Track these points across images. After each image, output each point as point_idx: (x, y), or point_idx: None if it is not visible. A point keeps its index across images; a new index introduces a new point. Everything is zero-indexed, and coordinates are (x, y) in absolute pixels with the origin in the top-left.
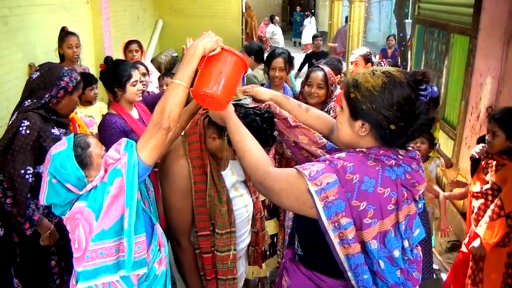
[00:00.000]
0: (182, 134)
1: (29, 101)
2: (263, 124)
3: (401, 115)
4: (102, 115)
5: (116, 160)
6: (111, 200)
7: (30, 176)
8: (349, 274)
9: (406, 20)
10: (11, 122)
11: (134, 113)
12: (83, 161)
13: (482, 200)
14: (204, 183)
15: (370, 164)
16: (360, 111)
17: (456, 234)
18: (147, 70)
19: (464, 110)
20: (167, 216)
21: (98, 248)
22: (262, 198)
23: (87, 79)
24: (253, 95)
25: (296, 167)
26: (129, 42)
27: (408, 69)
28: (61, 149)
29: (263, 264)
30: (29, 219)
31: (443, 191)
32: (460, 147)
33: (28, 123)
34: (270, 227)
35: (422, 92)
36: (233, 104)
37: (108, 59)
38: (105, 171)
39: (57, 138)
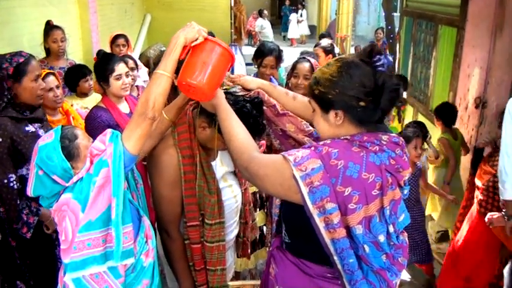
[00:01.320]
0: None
1: None
2: (253, 110)
3: (365, 89)
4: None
5: (102, 151)
6: (97, 191)
7: (15, 182)
8: (335, 258)
9: (395, 14)
10: None
11: (124, 107)
12: (70, 152)
13: (486, 192)
14: (194, 174)
15: (355, 150)
16: (328, 102)
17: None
18: (136, 64)
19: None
20: (156, 207)
21: (85, 239)
22: (252, 190)
23: (81, 70)
24: (241, 84)
25: (282, 153)
26: (116, 37)
27: (397, 62)
28: (48, 140)
29: (251, 256)
30: (25, 224)
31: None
32: None
33: (0, 131)
34: (258, 218)
35: (377, 63)
36: (224, 92)
37: (100, 53)
38: (91, 162)
39: (34, 135)
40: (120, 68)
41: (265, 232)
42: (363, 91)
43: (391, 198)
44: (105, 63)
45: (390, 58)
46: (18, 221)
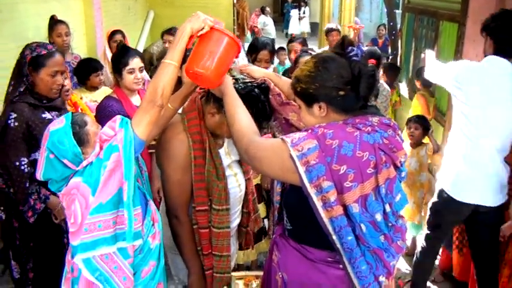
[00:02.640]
0: (180, 112)
1: (10, 87)
2: (261, 95)
3: (343, 79)
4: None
5: (111, 137)
6: (108, 175)
7: (26, 166)
8: (334, 237)
9: (396, 11)
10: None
11: (136, 100)
12: (80, 138)
13: None
14: (203, 159)
15: (349, 130)
16: (310, 96)
17: None
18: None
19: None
20: (166, 191)
21: (96, 221)
22: (255, 182)
23: (93, 65)
24: (247, 73)
25: (280, 136)
26: (113, 33)
27: (398, 58)
28: (59, 126)
29: (253, 248)
30: (31, 208)
31: (433, 176)
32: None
33: (15, 115)
34: (261, 210)
35: (351, 54)
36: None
37: (119, 45)
38: (100, 147)
39: (50, 122)
40: (135, 62)
41: (266, 225)
42: (341, 81)
43: (386, 176)
44: (120, 55)
45: (363, 48)
46: (25, 204)
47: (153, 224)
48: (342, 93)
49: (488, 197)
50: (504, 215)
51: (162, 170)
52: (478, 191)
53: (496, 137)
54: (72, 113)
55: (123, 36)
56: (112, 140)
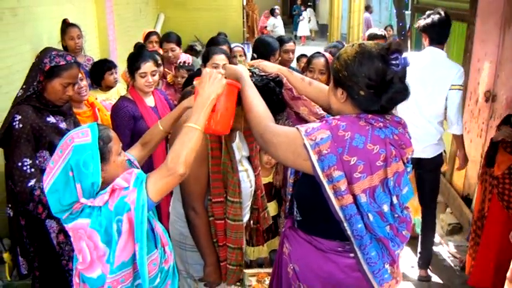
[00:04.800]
0: None
1: (21, 90)
2: (276, 87)
3: (369, 82)
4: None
5: (121, 188)
6: (127, 236)
7: (28, 167)
8: (345, 225)
9: (406, 11)
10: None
11: (149, 101)
12: (103, 155)
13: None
14: (219, 151)
15: (361, 124)
16: (339, 79)
17: (457, 217)
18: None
19: (463, 95)
20: (183, 184)
21: (119, 277)
22: (266, 181)
23: (106, 64)
24: (260, 68)
25: (296, 126)
26: (149, 34)
27: None
28: (86, 141)
29: (264, 245)
30: (40, 203)
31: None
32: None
33: (20, 117)
34: (271, 208)
35: (393, 62)
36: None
37: (136, 45)
38: (110, 194)
39: (54, 126)
40: (147, 67)
41: (278, 222)
42: (366, 83)
43: (395, 170)
44: (134, 58)
45: (408, 60)
46: (29, 203)
47: (164, 250)
48: (361, 93)
49: (428, 150)
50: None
51: None
52: (420, 147)
53: (430, 107)
54: (97, 124)
55: (159, 37)
56: (124, 194)
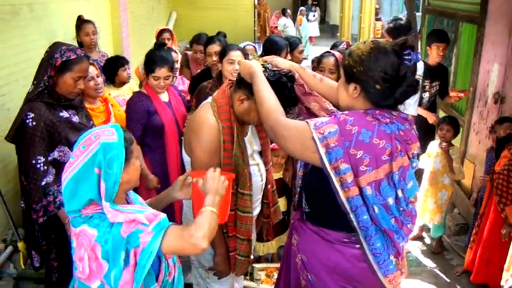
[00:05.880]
0: (211, 100)
1: (32, 86)
2: (288, 82)
3: (385, 76)
4: (133, 92)
5: (138, 222)
6: (132, 269)
7: (42, 165)
8: (351, 216)
9: (417, 13)
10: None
11: (164, 96)
12: (126, 156)
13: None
14: (231, 144)
15: (369, 119)
16: (352, 75)
17: (464, 217)
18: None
19: (472, 96)
20: None
21: None
22: (277, 176)
23: (119, 60)
24: (273, 64)
25: (305, 120)
26: (162, 31)
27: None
28: (112, 140)
29: (273, 241)
30: (43, 208)
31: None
32: (468, 133)
33: (33, 114)
34: (280, 204)
35: (406, 57)
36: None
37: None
38: (127, 222)
39: (67, 120)
40: (161, 72)
41: (286, 218)
42: (382, 77)
43: (400, 164)
44: (151, 60)
45: (419, 56)
46: (38, 203)
47: (167, 264)
48: (378, 87)
49: None
50: None
51: (193, 154)
52: None
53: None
54: (120, 126)
55: (171, 34)
56: (141, 229)
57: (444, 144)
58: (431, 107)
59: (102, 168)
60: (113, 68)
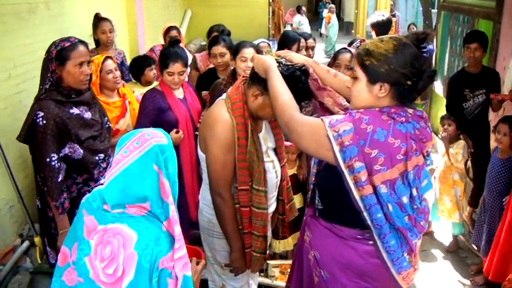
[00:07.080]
0: (225, 96)
1: (40, 86)
2: (301, 76)
3: (414, 70)
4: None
5: (172, 255)
6: None
7: (56, 162)
8: (365, 214)
9: (432, 10)
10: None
11: (178, 93)
12: None
13: None
14: (245, 139)
15: (384, 118)
16: (378, 75)
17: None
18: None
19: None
20: (210, 171)
21: None
22: (291, 172)
23: (146, 60)
24: (287, 59)
25: (320, 117)
26: (169, 28)
27: (434, 56)
28: (164, 142)
29: (290, 238)
30: (61, 205)
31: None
32: None
33: (42, 113)
34: (296, 201)
35: (423, 50)
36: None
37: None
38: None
39: (79, 117)
40: (175, 67)
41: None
42: (412, 71)
43: (415, 163)
44: (165, 56)
45: (432, 46)
46: (58, 199)
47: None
48: (409, 82)
49: None
50: None
51: (208, 150)
52: None
53: None
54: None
55: (179, 32)
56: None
57: (444, 134)
58: (479, 117)
59: (161, 168)
60: (140, 68)
